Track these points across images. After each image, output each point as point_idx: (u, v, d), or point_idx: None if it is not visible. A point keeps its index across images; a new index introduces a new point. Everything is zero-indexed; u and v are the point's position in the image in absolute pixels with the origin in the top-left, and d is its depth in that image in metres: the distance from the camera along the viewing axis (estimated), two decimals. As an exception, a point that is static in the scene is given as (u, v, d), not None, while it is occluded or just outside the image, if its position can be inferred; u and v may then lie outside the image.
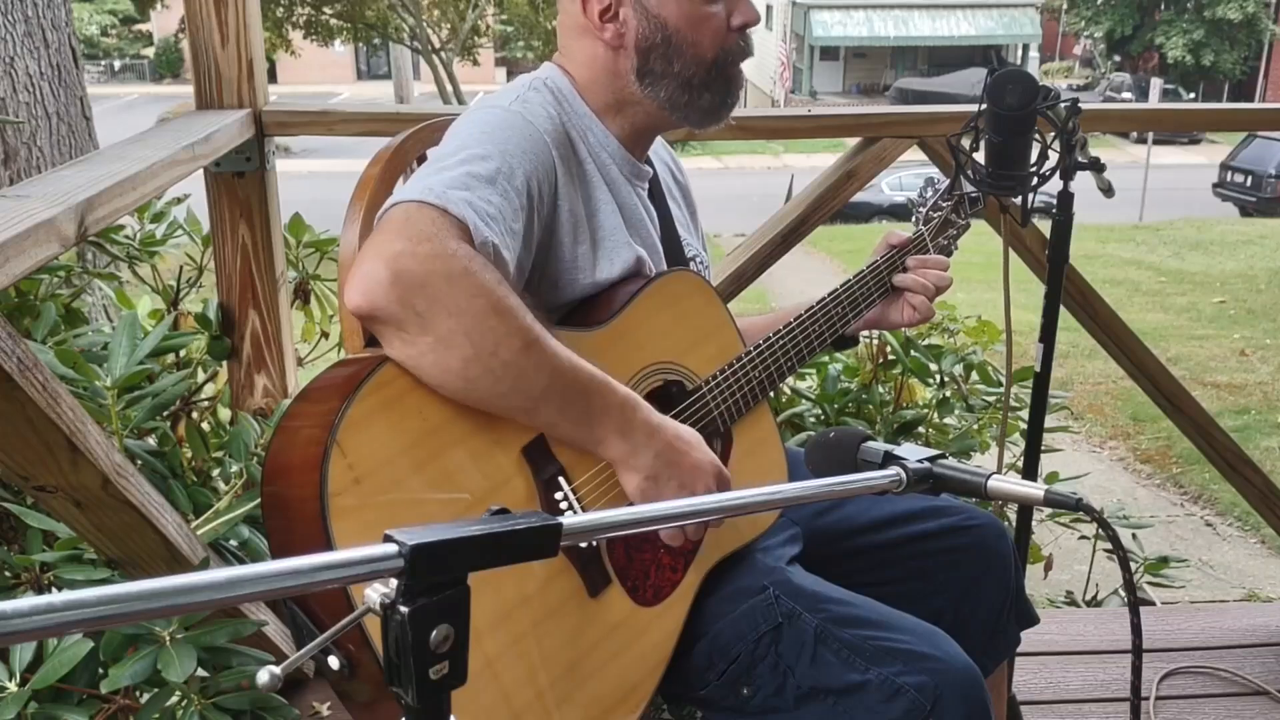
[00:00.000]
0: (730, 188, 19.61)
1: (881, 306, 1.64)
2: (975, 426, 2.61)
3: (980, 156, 1.69)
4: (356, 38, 26.22)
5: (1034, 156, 1.67)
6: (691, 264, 1.55)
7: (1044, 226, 1.96)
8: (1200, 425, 2.62)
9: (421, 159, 1.54)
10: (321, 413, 1.09)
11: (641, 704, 1.28)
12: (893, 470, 1.01)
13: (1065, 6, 35.60)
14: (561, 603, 1.21)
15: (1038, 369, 1.83)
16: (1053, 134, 1.67)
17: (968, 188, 1.75)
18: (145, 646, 1.45)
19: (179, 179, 1.77)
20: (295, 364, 2.32)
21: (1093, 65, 37.31)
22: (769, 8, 33.64)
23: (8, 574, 1.64)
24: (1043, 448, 1.91)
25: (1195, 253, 13.84)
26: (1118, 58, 34.71)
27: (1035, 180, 1.68)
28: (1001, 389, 2.56)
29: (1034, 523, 2.01)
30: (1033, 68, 31.40)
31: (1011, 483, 1.01)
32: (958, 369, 2.62)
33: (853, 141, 2.43)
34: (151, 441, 1.97)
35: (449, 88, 24.55)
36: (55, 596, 0.56)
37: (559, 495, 1.23)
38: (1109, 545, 1.04)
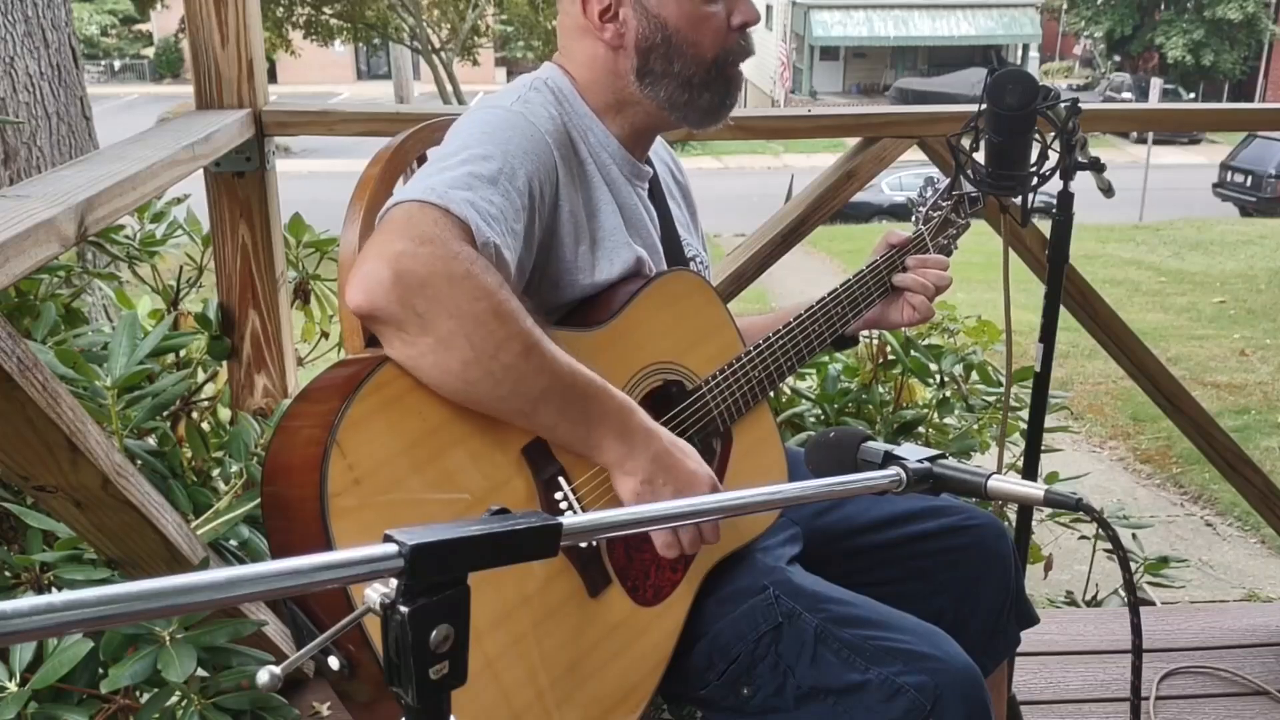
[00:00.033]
0: (730, 188, 19.61)
1: (881, 306, 1.64)
2: (975, 426, 2.61)
3: (980, 156, 1.69)
4: (356, 38, 26.23)
5: (1034, 156, 1.67)
6: (691, 264, 1.55)
7: (1044, 226, 1.96)
8: (1200, 425, 2.62)
9: (422, 159, 1.54)
10: (321, 413, 1.09)
11: (641, 704, 1.28)
12: (893, 470, 1.01)
13: (1065, 6, 35.60)
14: (561, 603, 1.21)
15: (1038, 369, 1.83)
16: (1053, 134, 1.67)
17: (967, 187, 1.75)
18: (145, 646, 1.45)
19: (179, 179, 1.76)
20: (295, 364, 2.32)
21: (1093, 65, 37.32)
22: (769, 8, 33.64)
23: (8, 574, 1.64)
24: (1043, 448, 1.91)
25: (1195, 253, 13.84)
26: (1118, 58, 34.72)
27: (1035, 180, 1.68)
28: (1001, 389, 2.56)
29: (1034, 523, 2.01)
30: (1033, 68, 31.39)
31: (1011, 483, 1.01)
32: (958, 369, 2.62)
33: (853, 141, 2.43)
34: (151, 441, 1.97)
35: (449, 88, 24.56)
36: (55, 596, 0.56)
37: (559, 495, 1.23)
38: (1109, 545, 1.04)
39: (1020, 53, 34.20)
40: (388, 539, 0.66)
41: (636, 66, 1.39)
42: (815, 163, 16.38)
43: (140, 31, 38.53)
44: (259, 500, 1.53)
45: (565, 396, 1.18)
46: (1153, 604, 3.00)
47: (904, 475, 1.00)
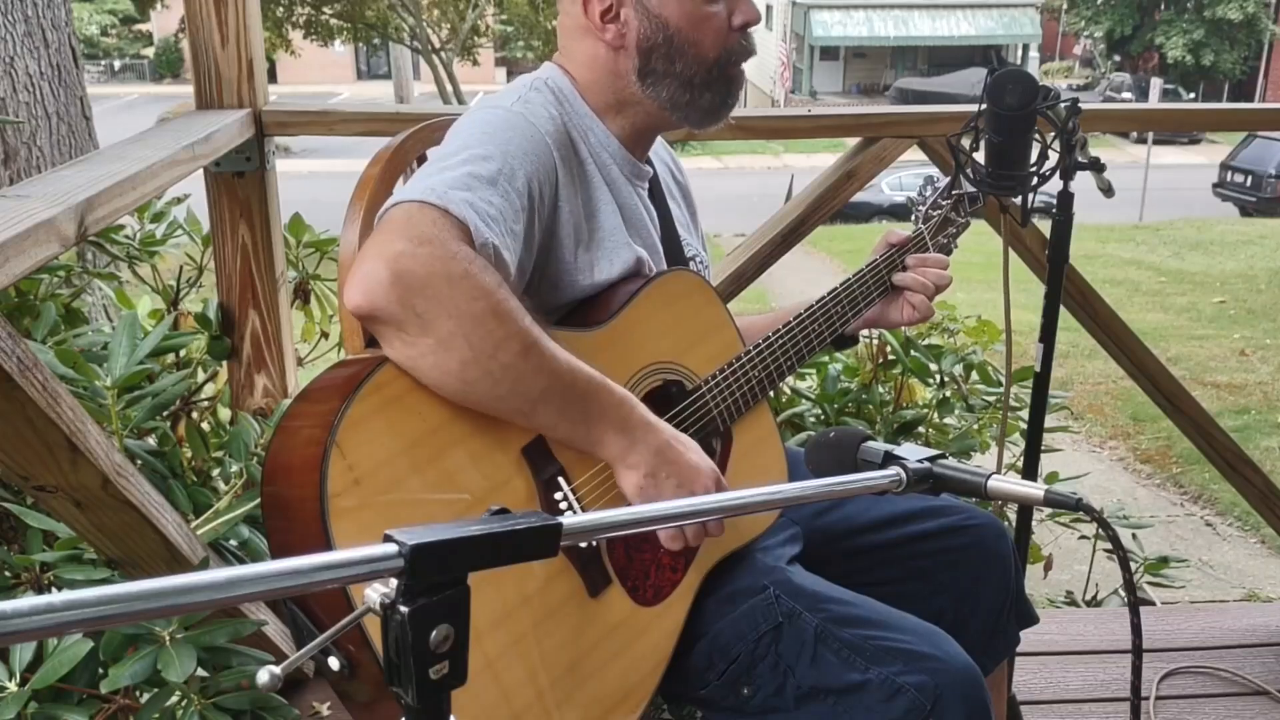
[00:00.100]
0: (730, 188, 19.61)
1: (881, 305, 1.64)
2: (975, 426, 2.61)
3: (980, 156, 1.69)
4: (356, 38, 26.22)
5: (1034, 156, 1.67)
6: (691, 264, 1.55)
7: (1044, 226, 1.96)
8: (1200, 425, 2.62)
9: (421, 159, 1.54)
10: (321, 413, 1.09)
11: (641, 704, 1.28)
12: (893, 470, 1.01)
13: (1065, 6, 35.60)
14: (561, 603, 1.21)
15: (1038, 369, 1.83)
16: (1053, 134, 1.67)
17: (967, 187, 1.75)
18: (145, 646, 1.45)
19: (179, 179, 1.76)
20: (295, 364, 2.32)
21: (1093, 65, 37.31)
22: (769, 8, 33.63)
23: (8, 574, 1.64)
24: (1043, 448, 1.91)
25: (1195, 253, 13.84)
26: (1118, 58, 34.72)
27: (1035, 180, 1.68)
28: (1001, 389, 2.56)
29: (1034, 523, 2.01)
30: (1033, 68, 31.39)
31: (1011, 483, 1.01)
32: (958, 369, 2.62)
33: (853, 141, 2.43)
34: (151, 441, 1.97)
35: (449, 88, 24.55)
36: (55, 596, 0.56)
37: (559, 495, 1.23)
38: (1109, 545, 1.04)
39: (1020, 53, 34.20)
40: (388, 539, 0.66)
41: (638, 67, 1.39)
42: (815, 163, 16.39)
43: (140, 31, 38.53)
44: (259, 500, 1.53)
45: (565, 394, 1.18)
46: (1153, 604, 3.00)
47: (904, 475, 1.00)
